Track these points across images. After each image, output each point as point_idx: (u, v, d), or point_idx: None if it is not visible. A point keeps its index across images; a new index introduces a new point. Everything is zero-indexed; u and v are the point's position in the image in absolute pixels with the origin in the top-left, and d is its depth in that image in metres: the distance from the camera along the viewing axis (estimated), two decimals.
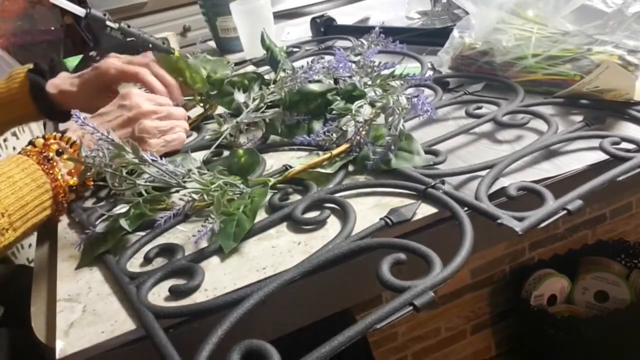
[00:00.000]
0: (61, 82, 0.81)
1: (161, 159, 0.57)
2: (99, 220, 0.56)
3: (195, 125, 0.81)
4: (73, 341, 0.43)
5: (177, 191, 0.57)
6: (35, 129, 1.38)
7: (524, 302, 1.30)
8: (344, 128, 0.65)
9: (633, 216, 1.43)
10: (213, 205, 0.53)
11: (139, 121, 0.67)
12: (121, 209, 0.55)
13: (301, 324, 0.49)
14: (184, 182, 0.56)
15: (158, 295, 0.47)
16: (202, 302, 0.44)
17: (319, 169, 0.60)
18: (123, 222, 0.54)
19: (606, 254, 1.37)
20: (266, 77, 0.79)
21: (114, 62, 0.79)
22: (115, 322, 0.45)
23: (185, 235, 0.55)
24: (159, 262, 0.51)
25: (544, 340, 1.29)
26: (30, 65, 0.84)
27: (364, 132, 0.61)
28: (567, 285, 1.34)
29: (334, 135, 0.64)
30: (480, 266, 1.31)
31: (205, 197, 0.56)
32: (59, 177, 0.59)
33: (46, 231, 0.64)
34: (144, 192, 0.56)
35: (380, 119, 0.62)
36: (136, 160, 0.56)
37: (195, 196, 0.56)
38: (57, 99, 0.81)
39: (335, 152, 0.61)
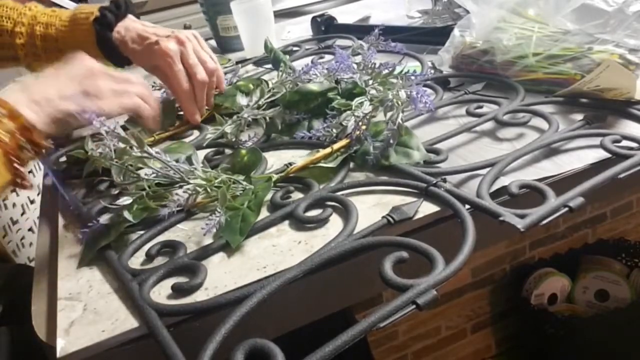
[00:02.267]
0: (125, 34, 0.79)
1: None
2: (102, 214, 0.56)
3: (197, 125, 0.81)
4: (74, 340, 0.43)
5: (181, 187, 0.57)
6: None
7: (525, 301, 1.30)
8: (343, 124, 0.65)
9: (634, 215, 1.43)
10: (218, 200, 0.53)
11: (91, 79, 0.63)
12: (125, 201, 0.55)
13: (302, 323, 0.48)
14: (188, 177, 0.56)
15: (159, 294, 0.47)
16: (205, 300, 0.44)
17: (321, 164, 0.60)
18: (127, 214, 0.54)
19: (607, 253, 1.37)
20: (267, 76, 0.79)
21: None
22: (116, 320, 0.45)
23: (186, 234, 0.55)
24: (160, 260, 0.51)
25: (544, 340, 1.29)
26: (95, 10, 0.80)
27: (363, 127, 0.61)
28: (568, 284, 1.34)
29: (334, 130, 0.64)
30: (481, 265, 1.31)
31: (209, 190, 0.56)
32: (2, 136, 0.54)
33: (47, 230, 0.64)
34: (146, 187, 0.56)
35: (382, 116, 0.62)
36: (139, 154, 0.56)
37: (199, 189, 0.56)
38: (121, 48, 0.79)
39: (335, 147, 0.61)
